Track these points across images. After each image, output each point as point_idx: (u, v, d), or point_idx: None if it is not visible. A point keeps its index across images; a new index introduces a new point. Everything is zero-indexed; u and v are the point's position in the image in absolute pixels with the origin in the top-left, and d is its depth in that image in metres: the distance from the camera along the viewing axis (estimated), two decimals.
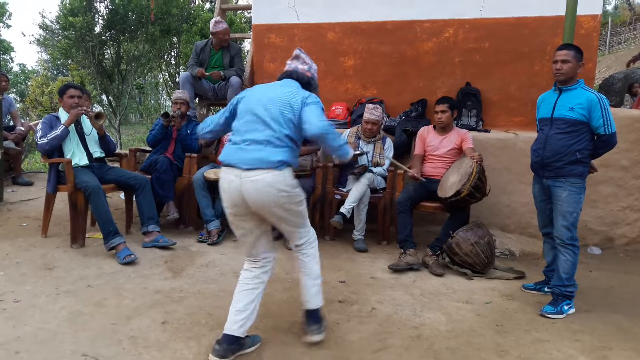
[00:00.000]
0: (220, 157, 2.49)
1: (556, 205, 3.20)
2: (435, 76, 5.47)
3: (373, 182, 4.49)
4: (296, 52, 2.80)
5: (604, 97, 3.11)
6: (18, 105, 15.21)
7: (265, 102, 2.51)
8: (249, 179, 2.36)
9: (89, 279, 3.43)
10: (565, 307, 3.13)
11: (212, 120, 2.72)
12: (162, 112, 4.88)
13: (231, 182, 2.41)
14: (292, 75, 2.69)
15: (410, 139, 4.87)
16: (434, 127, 4.44)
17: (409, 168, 4.41)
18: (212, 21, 5.61)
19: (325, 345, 2.62)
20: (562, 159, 3.13)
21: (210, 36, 5.63)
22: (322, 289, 2.72)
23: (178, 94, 5.04)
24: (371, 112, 4.57)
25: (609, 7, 27.01)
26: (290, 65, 2.73)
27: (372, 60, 5.61)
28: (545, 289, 3.48)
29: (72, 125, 4.13)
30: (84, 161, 4.15)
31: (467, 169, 3.90)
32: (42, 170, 7.33)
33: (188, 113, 5.48)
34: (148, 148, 5.09)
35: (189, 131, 4.89)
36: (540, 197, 3.39)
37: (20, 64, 26.42)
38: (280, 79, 2.71)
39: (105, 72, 13.03)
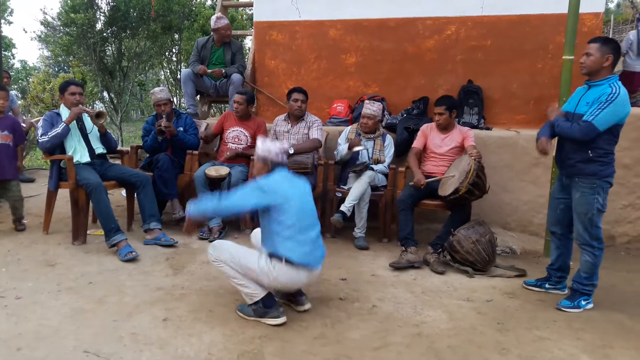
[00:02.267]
0: (294, 257, 2.72)
1: (573, 207, 3.17)
2: (437, 74, 5.45)
3: (374, 180, 4.48)
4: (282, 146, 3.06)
5: (621, 95, 2.93)
6: (19, 102, 15.19)
7: (304, 200, 2.90)
8: (315, 276, 2.89)
9: (90, 275, 3.44)
10: (583, 302, 3.15)
11: (240, 205, 2.82)
12: (156, 130, 4.60)
13: (301, 280, 2.81)
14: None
15: (411, 136, 4.85)
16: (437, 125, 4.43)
17: (407, 167, 4.42)
18: (214, 17, 5.60)
19: (326, 343, 2.63)
20: (574, 157, 3.10)
21: (212, 33, 5.62)
22: (323, 286, 2.80)
23: (158, 95, 4.77)
24: (367, 107, 4.58)
25: (612, 5, 26.81)
26: (279, 155, 2.95)
27: (374, 58, 5.60)
28: (547, 286, 3.48)
29: (74, 122, 4.13)
30: (86, 158, 4.15)
31: (465, 167, 3.89)
32: (44, 167, 7.34)
33: (188, 110, 5.48)
34: None
35: (181, 128, 4.80)
36: (557, 194, 3.35)
37: (21, 61, 26.34)
38: (279, 166, 2.94)
39: (107, 69, 13.01)
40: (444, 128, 4.33)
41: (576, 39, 3.91)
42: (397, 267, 3.83)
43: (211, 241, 4.27)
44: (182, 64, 14.63)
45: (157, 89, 4.95)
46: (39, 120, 4.19)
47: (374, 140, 4.66)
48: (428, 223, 4.86)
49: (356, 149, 4.43)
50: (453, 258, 3.88)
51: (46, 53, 19.98)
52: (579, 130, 2.99)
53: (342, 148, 4.63)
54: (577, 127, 3.00)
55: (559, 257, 3.40)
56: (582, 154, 3.05)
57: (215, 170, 4.48)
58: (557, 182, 3.39)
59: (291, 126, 4.73)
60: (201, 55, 5.62)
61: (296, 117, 4.72)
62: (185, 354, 2.46)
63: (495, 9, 5.21)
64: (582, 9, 4.05)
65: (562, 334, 2.82)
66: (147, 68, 15.67)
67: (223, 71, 5.46)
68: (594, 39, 3.12)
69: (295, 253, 2.73)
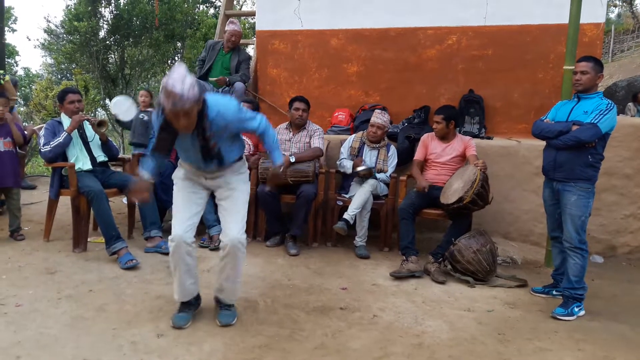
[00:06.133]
0: None
1: (565, 210, 3.26)
2: (438, 83, 5.47)
3: (376, 189, 4.48)
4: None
5: (615, 107, 3.18)
6: (22, 109, 15.25)
7: None
8: None
9: (90, 283, 3.43)
10: (576, 309, 3.19)
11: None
12: None
13: None
14: None
15: (412, 145, 4.86)
16: None
17: (408, 176, 4.43)
18: (228, 20, 5.66)
19: (327, 353, 2.61)
20: (575, 160, 3.19)
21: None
22: (324, 296, 2.79)
23: None
24: (378, 117, 4.59)
25: (612, 15, 26.96)
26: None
27: (376, 67, 5.62)
28: (554, 292, 3.52)
29: (75, 130, 4.14)
30: (88, 166, 4.15)
31: (470, 176, 3.89)
32: (45, 174, 7.35)
33: None
34: None
35: None
36: (550, 201, 3.45)
37: (24, 68, 26.46)
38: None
39: (109, 77, 13.10)
40: (443, 137, 4.35)
41: (577, 49, 3.93)
42: (398, 276, 3.82)
43: (212, 249, 4.30)
44: None
45: None
46: (41, 127, 4.20)
47: (379, 150, 4.65)
48: (429, 232, 4.85)
49: (359, 169, 4.44)
50: (454, 268, 3.87)
51: (49, 60, 20.05)
52: (586, 130, 3.12)
53: (346, 161, 4.63)
54: (584, 128, 3.13)
55: (563, 262, 3.43)
56: (583, 158, 3.18)
57: None
58: (547, 189, 3.47)
59: (293, 135, 4.73)
60: (208, 55, 5.66)
61: (298, 126, 4.73)
62: None
63: (496, 19, 5.24)
64: (583, 20, 4.08)
65: (563, 344, 2.81)
66: (149, 76, 15.77)
67: (227, 79, 5.48)
68: (585, 57, 3.28)
69: None
